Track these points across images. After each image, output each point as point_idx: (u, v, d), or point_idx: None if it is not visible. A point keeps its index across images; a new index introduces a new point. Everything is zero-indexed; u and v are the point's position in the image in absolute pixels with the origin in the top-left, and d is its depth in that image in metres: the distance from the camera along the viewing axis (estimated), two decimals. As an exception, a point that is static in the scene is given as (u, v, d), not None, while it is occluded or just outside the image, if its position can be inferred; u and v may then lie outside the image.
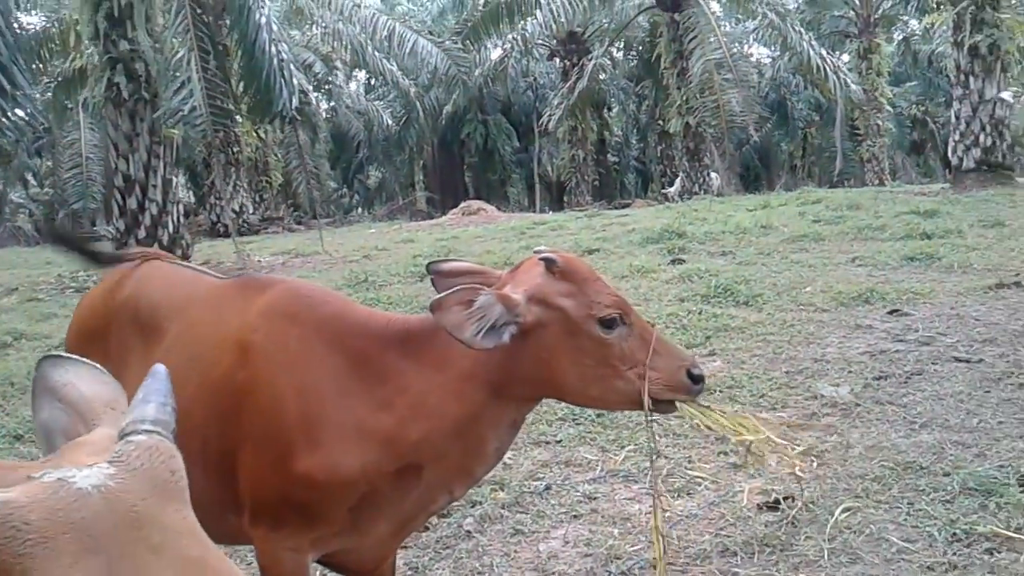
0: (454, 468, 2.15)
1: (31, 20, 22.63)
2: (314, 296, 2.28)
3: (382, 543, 2.25)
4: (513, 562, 3.54)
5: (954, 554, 3.20)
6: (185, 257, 13.02)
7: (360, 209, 40.32)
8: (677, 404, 2.19)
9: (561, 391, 2.16)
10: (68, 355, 1.22)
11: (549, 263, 2.10)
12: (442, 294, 2.01)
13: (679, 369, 2.14)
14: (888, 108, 29.29)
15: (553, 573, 3.42)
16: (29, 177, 36.30)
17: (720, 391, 5.29)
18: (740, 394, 5.21)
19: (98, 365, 1.25)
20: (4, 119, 11.65)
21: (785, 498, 3.77)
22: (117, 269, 2.86)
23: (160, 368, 1.13)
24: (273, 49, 12.51)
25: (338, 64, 29.63)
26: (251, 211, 24.30)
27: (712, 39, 21.55)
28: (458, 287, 2.02)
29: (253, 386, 2.11)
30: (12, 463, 1.00)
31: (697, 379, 2.17)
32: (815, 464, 4.19)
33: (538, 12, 23.58)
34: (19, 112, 16.53)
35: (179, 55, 12.25)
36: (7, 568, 0.85)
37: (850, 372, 5.48)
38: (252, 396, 2.11)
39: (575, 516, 3.91)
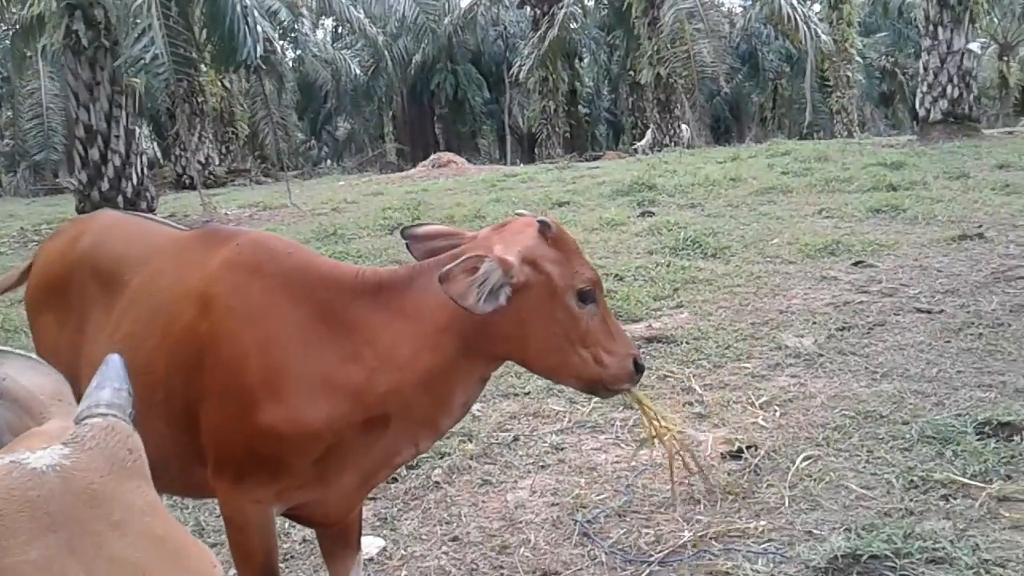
0: (421, 420, 2.16)
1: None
2: (278, 247, 2.24)
3: (348, 495, 2.26)
4: (481, 512, 3.58)
5: (911, 500, 3.28)
6: (150, 209, 12.84)
7: (329, 161, 39.89)
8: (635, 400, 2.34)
9: (524, 353, 2.17)
10: (2, 348, 1.18)
11: (544, 227, 2.11)
12: (449, 265, 1.99)
13: (627, 357, 2.18)
14: (858, 59, 29.28)
15: (520, 522, 3.46)
16: (-12, 127, 35.41)
17: (687, 343, 5.35)
18: (706, 345, 5.27)
19: (35, 356, 1.21)
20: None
21: (748, 447, 3.84)
22: (75, 220, 2.82)
23: (114, 357, 1.10)
24: (236, -5, 12.21)
25: (304, 11, 29.01)
26: (217, 163, 23.96)
27: (684, -12, 21.36)
28: (465, 256, 2.01)
29: (215, 338, 2.09)
30: None
31: (640, 369, 2.23)
32: (777, 414, 4.26)
33: (509, -42, 23.23)
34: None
35: (139, 1, 11.90)
36: None
37: (814, 323, 5.56)
38: (214, 348, 2.09)
39: (542, 467, 3.96)
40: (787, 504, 3.37)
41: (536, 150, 31.36)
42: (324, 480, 2.15)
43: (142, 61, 11.66)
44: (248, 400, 2.05)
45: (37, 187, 28.16)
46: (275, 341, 2.07)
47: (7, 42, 22.98)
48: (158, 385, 2.15)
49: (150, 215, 2.60)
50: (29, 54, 23.71)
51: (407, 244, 2.38)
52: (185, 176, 21.83)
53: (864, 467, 3.61)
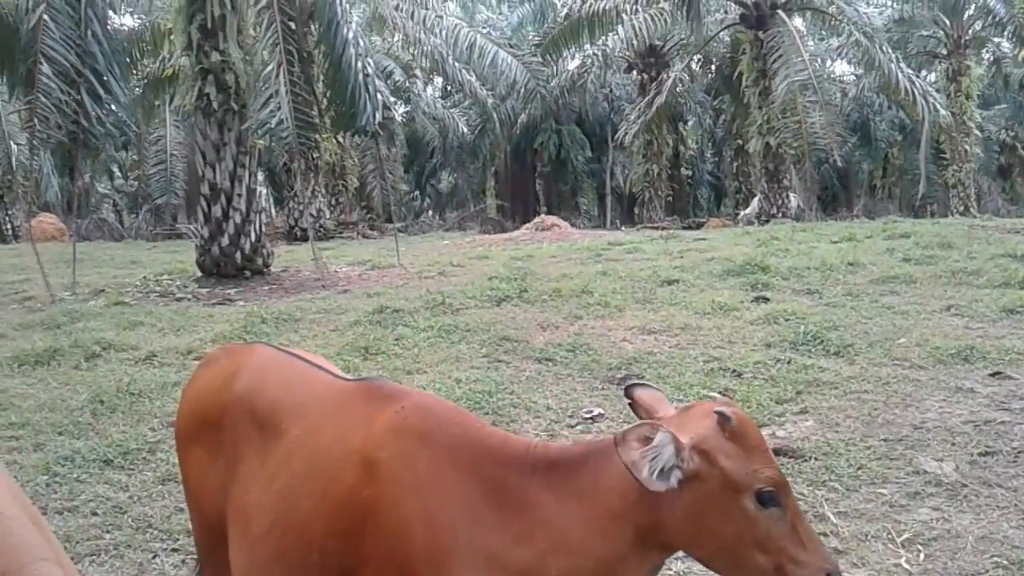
0: None
1: (125, 21, 23.28)
2: (445, 415, 2.20)
3: None
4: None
5: None
6: (266, 265, 13.23)
7: (431, 213, 40.66)
8: None
9: (698, 549, 2.06)
10: None
11: (724, 419, 2.00)
12: (626, 428, 1.95)
13: (819, 571, 1.98)
14: (976, 132, 28.34)
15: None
16: (115, 169, 37.41)
17: (816, 459, 5.11)
18: (837, 464, 5.02)
19: None
20: (98, 125, 11.96)
21: (895, 599, 3.60)
22: (229, 350, 2.86)
23: None
24: (359, 64, 12.60)
25: (417, 72, 29.87)
26: (327, 215, 24.64)
27: (797, 60, 21.03)
28: (639, 422, 1.97)
29: (378, 507, 2.05)
30: None
31: None
32: (921, 555, 4.00)
33: (620, 27, 23.41)
34: (108, 110, 17.02)
35: (268, 68, 12.41)
36: None
37: (953, 445, 5.25)
38: (377, 517, 2.05)
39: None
40: (942, 671, 3.13)
41: (636, 211, 31.25)
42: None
43: (268, 125, 12.09)
44: (408, 573, 2.00)
45: (156, 230, 29.46)
46: (442, 516, 2.02)
47: (138, 90, 24.26)
48: (314, 545, 2.12)
49: (301, 352, 2.61)
50: (157, 103, 25.07)
51: (630, 404, 2.29)
52: (297, 228, 22.51)
53: (1026, 632, 3.33)
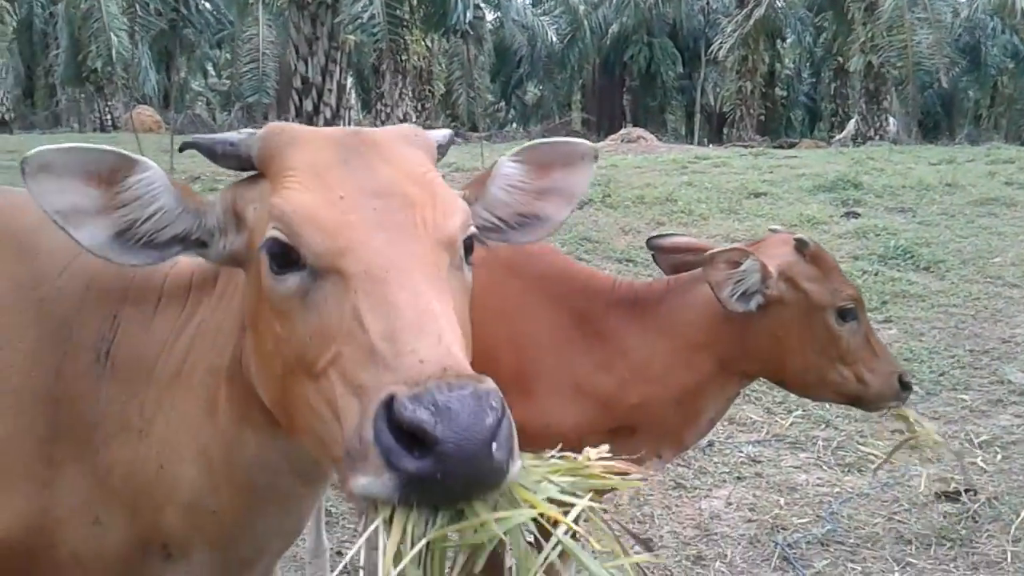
0: (667, 434, 2.18)
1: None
2: (536, 250, 2.27)
3: None
4: (674, 516, 3.55)
5: None
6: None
7: (515, 124, 40.31)
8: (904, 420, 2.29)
9: (782, 372, 2.18)
10: None
11: (802, 244, 2.14)
12: (717, 248, 2.05)
13: (892, 375, 2.18)
14: (1097, 59, 26.57)
15: (715, 534, 3.41)
16: (209, 67, 38.00)
17: (896, 363, 5.06)
18: (919, 369, 4.97)
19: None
20: (194, 12, 12.15)
21: (966, 490, 3.60)
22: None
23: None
24: (453, -39, 12.47)
25: (509, -25, 29.29)
26: (413, 119, 24.71)
27: (907, -28, 19.94)
28: (731, 246, 2.07)
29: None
30: None
31: (906, 386, 2.22)
32: (999, 456, 3.97)
33: (721, -68, 22.45)
34: (207, 4, 17.22)
35: (362, -39, 12.38)
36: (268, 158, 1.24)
37: (1042, 359, 5.13)
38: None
39: (738, 478, 3.88)
40: (1009, 560, 3.15)
41: (725, 131, 30.45)
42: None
43: (359, 20, 12.11)
44: None
45: (248, 127, 29.99)
46: (529, 342, 2.11)
47: (232, -12, 24.40)
48: None
49: None
50: (251, 1, 25.20)
51: (653, 255, 2.40)
52: (384, 130, 22.67)
53: (1101, 532, 3.31)
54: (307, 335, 1.10)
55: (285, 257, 1.12)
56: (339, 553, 3.30)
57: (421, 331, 1.01)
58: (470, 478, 0.92)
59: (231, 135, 1.30)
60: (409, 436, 0.91)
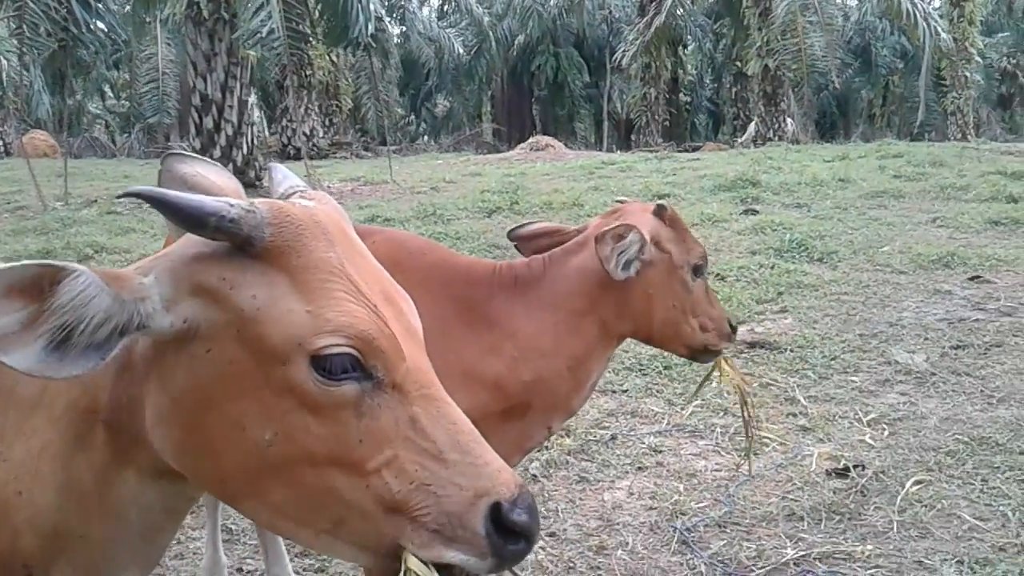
0: (558, 404, 2.29)
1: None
2: (415, 245, 2.31)
3: None
4: (578, 509, 3.60)
5: (1028, 536, 3.16)
6: (258, 179, 13.21)
7: (426, 137, 40.28)
8: (719, 362, 2.54)
9: (648, 328, 2.36)
10: (190, 153, 1.33)
11: (661, 209, 2.36)
12: (606, 227, 2.19)
13: (723, 320, 2.44)
14: (978, 59, 27.94)
15: (617, 523, 3.46)
16: (107, 89, 36.91)
17: (791, 350, 5.24)
18: (811, 355, 5.15)
19: (218, 164, 1.50)
20: (86, 31, 11.81)
21: (855, 466, 3.75)
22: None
23: (276, 165, 1.43)
24: (351, -27, 12.40)
25: (412, -12, 29.31)
26: (321, 135, 24.45)
27: (798, -22, 20.69)
28: (616, 224, 2.21)
29: None
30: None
31: (734, 329, 2.50)
32: (886, 433, 4.14)
33: (619, -58, 22.91)
34: (100, 24, 16.72)
35: (258, -24, 12.19)
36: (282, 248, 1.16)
37: (926, 339, 5.37)
38: None
39: (640, 468, 3.95)
40: (895, 530, 3.29)
41: (633, 137, 30.97)
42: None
43: (258, 34, 11.94)
44: None
45: (149, 149, 29.23)
46: None
47: (128, 7, 23.80)
48: None
49: None
50: (148, 20, 24.59)
51: (515, 245, 2.50)
52: (291, 147, 22.36)
53: (978, 497, 3.48)
54: (357, 438, 1.16)
55: (341, 366, 1.16)
56: (239, 570, 3.24)
57: (478, 442, 1.22)
58: None
59: (219, 205, 1.13)
60: (507, 528, 1.15)
